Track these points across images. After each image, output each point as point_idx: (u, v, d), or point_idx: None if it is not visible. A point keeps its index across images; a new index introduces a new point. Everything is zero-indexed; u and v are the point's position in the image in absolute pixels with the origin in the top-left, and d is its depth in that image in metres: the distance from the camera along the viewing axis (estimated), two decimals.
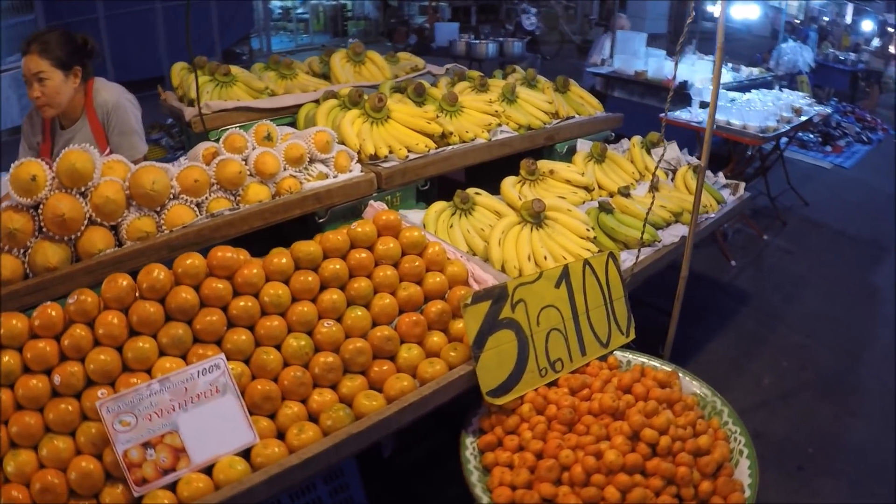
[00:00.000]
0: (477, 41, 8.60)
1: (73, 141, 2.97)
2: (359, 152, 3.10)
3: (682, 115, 5.37)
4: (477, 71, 4.41)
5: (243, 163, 2.63)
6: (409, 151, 3.20)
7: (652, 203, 2.66)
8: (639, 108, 6.78)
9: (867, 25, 14.66)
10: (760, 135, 4.92)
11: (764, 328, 4.39)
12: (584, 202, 3.19)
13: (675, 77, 3.17)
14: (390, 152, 3.16)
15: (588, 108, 4.13)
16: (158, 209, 2.37)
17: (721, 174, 3.84)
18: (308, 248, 2.14)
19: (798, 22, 12.35)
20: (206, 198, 2.49)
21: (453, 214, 2.94)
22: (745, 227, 5.78)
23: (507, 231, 2.72)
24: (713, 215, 3.36)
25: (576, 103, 4.10)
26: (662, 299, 4.00)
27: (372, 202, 2.85)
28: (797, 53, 8.89)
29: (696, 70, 6.60)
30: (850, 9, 16.11)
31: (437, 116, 3.34)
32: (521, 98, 3.81)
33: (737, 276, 5.00)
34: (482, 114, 3.56)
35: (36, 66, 2.79)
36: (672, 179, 3.60)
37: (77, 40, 2.98)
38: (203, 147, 2.77)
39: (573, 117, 3.95)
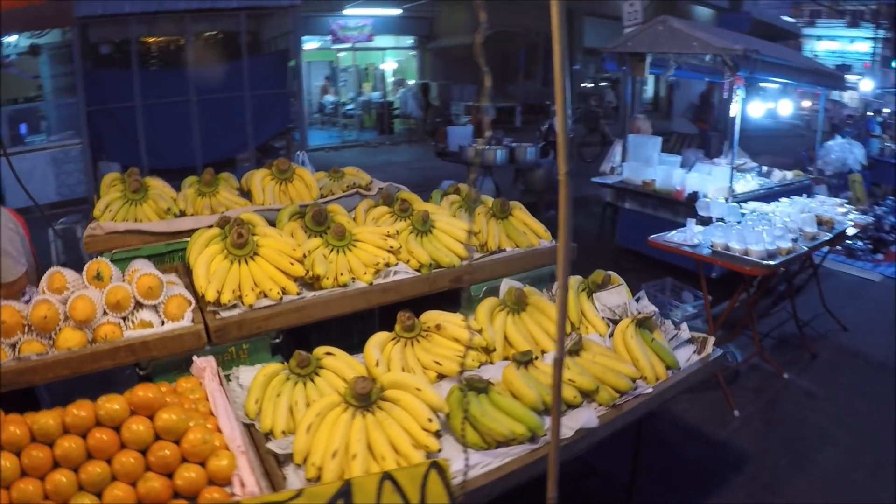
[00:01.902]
0: (486, 147, 8.14)
1: None
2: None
3: (675, 236, 4.58)
4: (400, 195, 3.85)
5: (61, 305, 2.41)
6: (264, 297, 2.66)
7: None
8: (651, 223, 6.02)
9: None
10: (764, 262, 4.05)
11: None
12: (462, 372, 2.48)
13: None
14: (239, 298, 2.62)
15: (530, 237, 3.47)
16: None
17: (684, 325, 2.99)
18: (45, 419, 1.81)
19: (857, 115, 11.31)
20: (20, 338, 2.33)
21: (287, 380, 2.32)
22: (763, 362, 4.83)
23: (325, 414, 2.06)
24: (649, 389, 2.52)
25: (516, 232, 3.45)
26: (619, 459, 3.18)
27: (196, 357, 2.36)
28: (846, 151, 7.92)
29: (710, 179, 5.81)
30: None
31: (305, 255, 2.78)
32: (437, 228, 3.21)
33: (737, 431, 4.04)
34: (378, 249, 2.98)
35: None
36: (611, 335, 2.84)
37: None
38: (47, 278, 2.53)
39: (503, 251, 3.30)
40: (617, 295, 3.03)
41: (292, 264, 2.72)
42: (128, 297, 2.49)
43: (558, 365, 1.56)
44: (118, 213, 3.52)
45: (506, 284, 3.05)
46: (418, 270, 2.99)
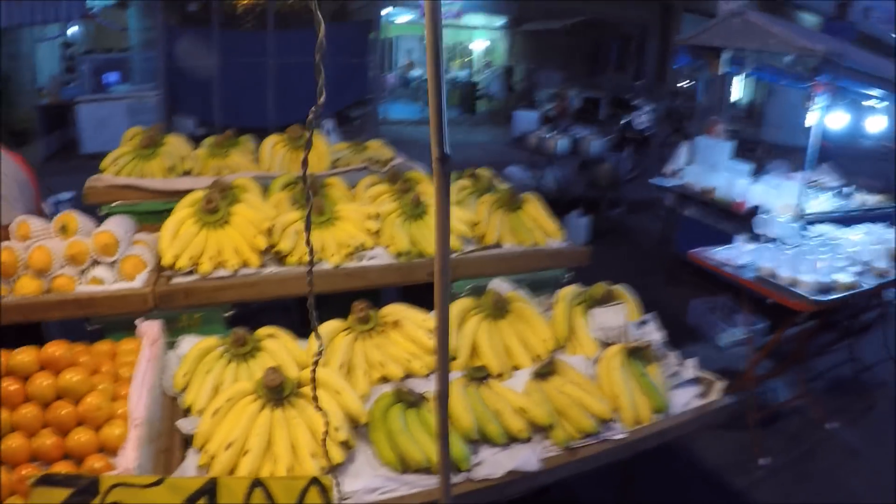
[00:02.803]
0: (547, 136, 7.72)
1: None
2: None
3: (719, 253, 4.11)
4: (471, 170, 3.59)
5: (23, 252, 2.41)
6: (223, 267, 2.50)
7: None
8: (711, 235, 5.49)
9: None
10: (813, 297, 3.54)
11: None
12: (405, 378, 2.23)
13: None
14: (195, 265, 2.47)
15: (538, 234, 3.15)
16: None
17: (690, 362, 2.57)
18: None
19: None
20: None
21: (220, 358, 2.16)
22: (806, 406, 4.31)
23: (236, 401, 1.88)
24: (621, 435, 2.12)
25: (522, 227, 3.14)
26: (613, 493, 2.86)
27: (140, 321, 2.25)
28: None
29: (777, 193, 5.22)
30: None
31: (272, 228, 2.60)
32: (430, 214, 2.95)
33: (759, 483, 3.58)
34: (357, 230, 2.76)
35: None
36: (597, 361, 2.48)
37: None
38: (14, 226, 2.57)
39: (498, 246, 3.01)
40: (615, 314, 2.65)
41: (256, 236, 2.55)
42: (84, 252, 2.44)
43: (442, 400, 1.27)
44: (125, 168, 3.46)
45: (495, 285, 2.77)
46: (398, 257, 2.75)
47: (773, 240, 4.41)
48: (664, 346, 2.61)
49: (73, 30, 10.18)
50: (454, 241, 2.88)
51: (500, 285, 2.75)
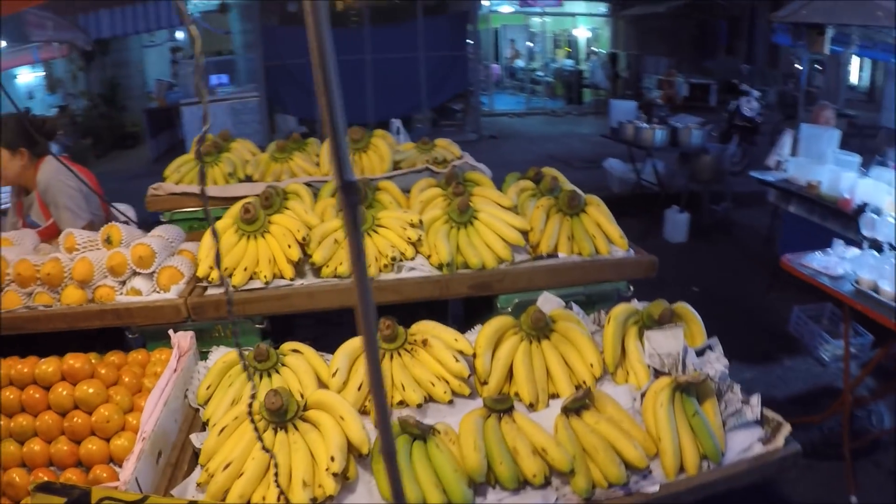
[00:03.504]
0: (644, 126, 7.27)
1: (29, 208, 3.24)
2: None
3: (816, 260, 3.64)
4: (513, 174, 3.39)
5: (69, 263, 2.50)
6: (256, 278, 2.47)
7: None
8: (819, 235, 4.94)
9: None
10: None
11: None
12: (422, 404, 2.08)
13: None
14: (229, 276, 2.45)
15: (599, 243, 2.89)
16: None
17: (754, 400, 2.14)
18: None
19: None
20: (35, 289, 2.47)
21: (244, 371, 2.12)
22: None
23: (243, 420, 1.83)
24: (655, 487, 1.81)
25: (582, 234, 2.89)
26: None
27: (172, 331, 2.28)
28: None
29: (888, 189, 4.59)
30: None
31: (306, 237, 2.52)
32: (480, 219, 2.77)
33: None
34: (399, 239, 2.63)
35: None
36: (643, 393, 2.20)
37: (27, 125, 3.07)
38: (63, 238, 2.67)
39: (554, 256, 2.78)
40: (673, 339, 2.32)
41: (290, 247, 2.48)
42: (123, 264, 2.47)
43: (390, 459, 1.11)
44: (187, 175, 3.52)
45: (544, 300, 2.56)
46: (440, 269, 2.60)
47: (881, 244, 3.89)
48: (728, 377, 2.29)
49: (180, 35, 10.76)
50: (502, 251, 2.68)
51: (548, 300, 2.54)
